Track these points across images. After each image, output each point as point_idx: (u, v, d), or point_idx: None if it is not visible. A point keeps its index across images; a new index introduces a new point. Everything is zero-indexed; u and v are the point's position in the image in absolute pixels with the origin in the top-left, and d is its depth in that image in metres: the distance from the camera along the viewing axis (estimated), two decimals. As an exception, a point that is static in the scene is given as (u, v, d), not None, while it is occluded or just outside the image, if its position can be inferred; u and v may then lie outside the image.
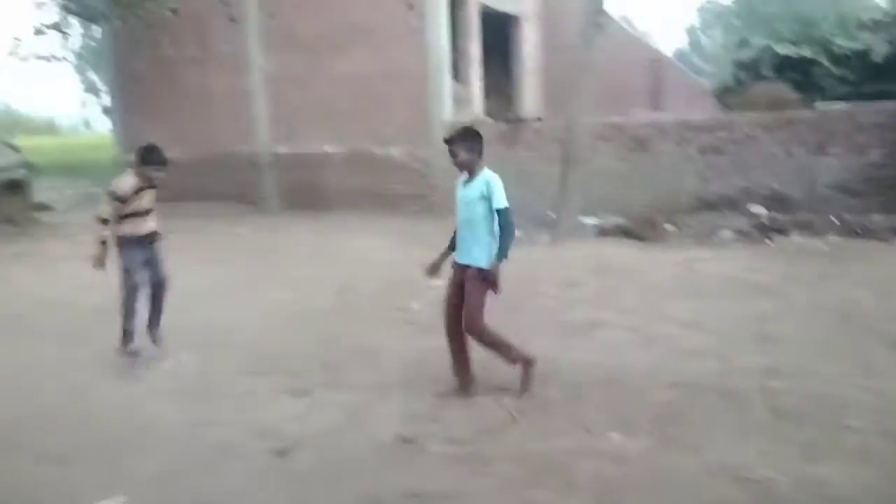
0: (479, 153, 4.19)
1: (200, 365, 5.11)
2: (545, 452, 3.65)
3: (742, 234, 8.87)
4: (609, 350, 5.14)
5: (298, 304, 6.73)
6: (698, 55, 42.03)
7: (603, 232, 9.68)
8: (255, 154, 13.11)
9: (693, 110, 14.57)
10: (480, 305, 4.13)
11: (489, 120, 11.99)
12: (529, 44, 15.87)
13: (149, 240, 5.12)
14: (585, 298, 6.56)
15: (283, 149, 13.02)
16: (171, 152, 14.69)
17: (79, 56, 37.14)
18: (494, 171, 4.21)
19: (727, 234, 9.03)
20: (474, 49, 13.19)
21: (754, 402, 4.08)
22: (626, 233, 9.49)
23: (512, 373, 4.34)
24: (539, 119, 11.87)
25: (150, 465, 3.65)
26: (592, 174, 10.86)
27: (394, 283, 7.36)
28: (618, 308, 6.22)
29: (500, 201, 4.06)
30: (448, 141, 4.21)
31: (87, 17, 16.57)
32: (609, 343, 5.32)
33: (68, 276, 7.78)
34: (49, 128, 44.48)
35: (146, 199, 5.08)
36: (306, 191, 13.02)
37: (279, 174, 13.12)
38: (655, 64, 17.16)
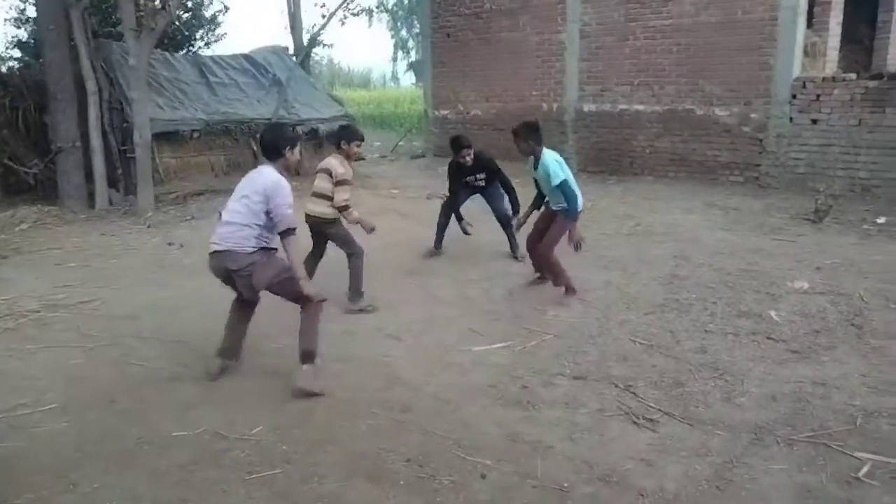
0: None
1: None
2: None
3: None
4: None
5: (615, 290, 5.78)
6: None
7: None
8: (560, 111, 12.37)
9: None
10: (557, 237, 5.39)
11: (850, 76, 9.62)
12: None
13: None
14: None
15: (589, 106, 12.02)
16: (476, 108, 14.42)
17: (392, 13, 39.91)
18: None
19: None
20: (835, -11, 10.68)
21: None
22: None
23: None
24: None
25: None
26: None
27: (735, 276, 6.03)
28: None
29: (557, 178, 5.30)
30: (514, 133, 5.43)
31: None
32: None
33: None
34: (364, 81, 48.44)
35: None
36: (609, 153, 11.92)
37: (582, 134, 12.21)
38: None
